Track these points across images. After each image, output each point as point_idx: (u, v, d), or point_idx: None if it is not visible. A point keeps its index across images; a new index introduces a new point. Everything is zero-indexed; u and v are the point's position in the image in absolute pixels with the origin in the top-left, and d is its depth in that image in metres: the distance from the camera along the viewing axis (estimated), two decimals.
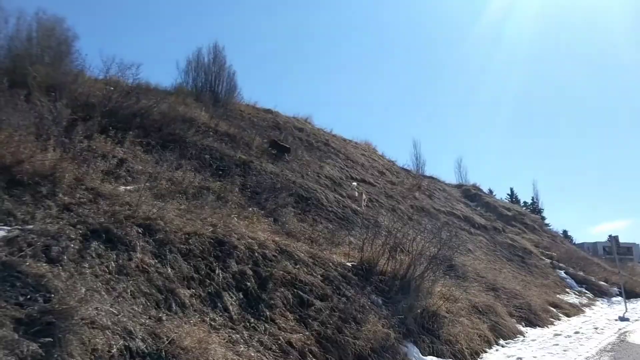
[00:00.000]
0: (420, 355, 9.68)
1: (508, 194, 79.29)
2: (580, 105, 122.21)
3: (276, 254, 9.77)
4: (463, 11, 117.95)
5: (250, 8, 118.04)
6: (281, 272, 9.14)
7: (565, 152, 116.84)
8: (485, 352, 11.37)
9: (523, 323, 15.19)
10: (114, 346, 5.79)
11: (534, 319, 15.75)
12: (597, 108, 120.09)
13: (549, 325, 15.73)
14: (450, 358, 10.22)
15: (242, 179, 16.19)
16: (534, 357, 10.48)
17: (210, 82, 24.44)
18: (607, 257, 61.94)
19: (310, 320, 8.41)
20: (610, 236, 22.56)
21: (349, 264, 10.86)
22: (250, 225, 11.25)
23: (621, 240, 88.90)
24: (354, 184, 24.39)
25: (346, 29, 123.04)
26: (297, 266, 9.72)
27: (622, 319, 17.18)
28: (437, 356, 9.99)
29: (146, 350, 6.09)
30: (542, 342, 12.46)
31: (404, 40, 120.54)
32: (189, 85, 24.11)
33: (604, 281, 28.96)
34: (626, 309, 20.30)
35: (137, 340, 6.11)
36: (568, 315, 18.56)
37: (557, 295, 22.40)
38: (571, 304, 21.29)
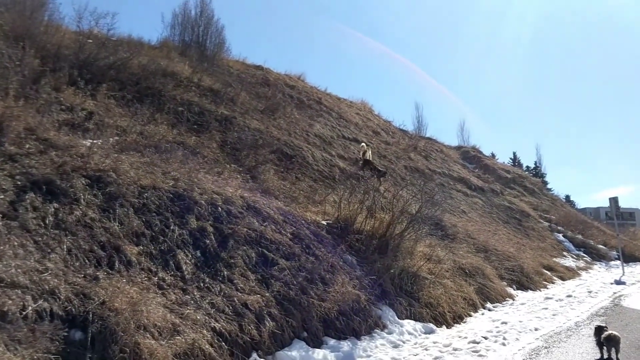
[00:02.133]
0: (397, 318, 9.03)
1: (511, 158, 78.36)
2: (587, 71, 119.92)
3: (243, 211, 9.05)
4: None
5: None
6: (245, 230, 8.44)
7: (571, 119, 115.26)
8: (470, 315, 10.73)
9: (514, 286, 14.56)
10: (28, 307, 5.12)
11: (526, 282, 15.11)
12: (605, 75, 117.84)
13: (541, 289, 15.10)
14: (430, 322, 9.57)
15: (222, 134, 15.38)
16: (520, 321, 9.82)
17: (197, 37, 23.35)
18: (608, 222, 61.47)
19: (273, 281, 7.73)
20: (610, 198, 21.72)
21: (324, 223, 10.15)
22: (220, 181, 10.52)
23: (624, 205, 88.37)
24: (362, 144, 23.83)
25: None
26: (265, 224, 9.01)
27: (618, 282, 16.54)
28: (416, 319, 9.35)
29: (72, 312, 5.43)
30: (532, 305, 11.82)
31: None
32: (176, 40, 23.05)
33: (602, 245, 28.31)
34: (623, 272, 19.66)
35: (60, 301, 5.44)
36: (563, 279, 17.94)
37: (554, 259, 21.76)
38: (567, 267, 20.67)
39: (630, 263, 26.65)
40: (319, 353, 7.10)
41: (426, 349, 7.74)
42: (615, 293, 13.97)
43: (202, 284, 7.11)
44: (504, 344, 8.00)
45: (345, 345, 7.56)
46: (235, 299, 6.96)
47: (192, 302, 6.65)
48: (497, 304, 12.09)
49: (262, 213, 9.27)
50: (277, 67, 26.73)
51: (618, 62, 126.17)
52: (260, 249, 8.29)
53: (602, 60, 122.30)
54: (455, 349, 7.62)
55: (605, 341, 7.00)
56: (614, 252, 26.63)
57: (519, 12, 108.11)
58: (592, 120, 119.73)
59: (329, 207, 11.33)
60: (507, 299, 12.75)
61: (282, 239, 8.75)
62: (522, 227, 25.81)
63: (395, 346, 8.07)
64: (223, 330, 6.45)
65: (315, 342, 7.42)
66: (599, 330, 7.17)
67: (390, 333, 8.53)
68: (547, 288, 15.50)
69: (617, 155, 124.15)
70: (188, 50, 22.16)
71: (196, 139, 13.89)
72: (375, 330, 8.42)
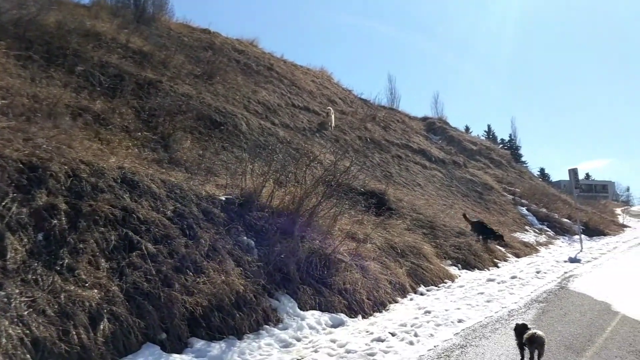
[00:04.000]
0: (298, 310, 7.69)
1: (485, 131, 78.00)
2: (564, 42, 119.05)
3: (114, 184, 7.55)
4: None
5: None
6: (108, 207, 6.95)
7: (547, 92, 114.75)
8: (395, 302, 9.45)
9: (459, 265, 13.34)
10: None
11: (474, 261, 13.91)
12: (582, 46, 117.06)
13: (489, 268, 13.92)
14: (343, 312, 8.26)
15: (141, 100, 13.80)
16: (446, 310, 8.56)
17: None
18: (581, 195, 61.25)
19: (129, 270, 6.28)
20: (569, 170, 20.63)
21: (223, 198, 8.69)
22: (104, 150, 9.02)
23: (599, 178, 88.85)
24: (329, 108, 22.79)
25: None
26: (140, 199, 7.54)
27: (573, 260, 15.43)
28: (324, 310, 8.02)
29: None
30: (469, 289, 10.58)
31: None
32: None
33: (567, 218, 27.37)
34: (581, 248, 18.64)
35: None
36: (518, 256, 16.82)
37: (513, 234, 20.68)
38: (525, 243, 19.59)
39: (594, 237, 25.82)
40: None
41: (316, 351, 6.40)
42: (565, 273, 12.81)
43: (29, 276, 5.65)
44: (411, 343, 6.69)
45: (217, 347, 6.19)
46: (63, 295, 5.51)
47: (3, 301, 5.20)
48: (433, 287, 10.84)
49: (140, 187, 7.78)
50: (233, 34, 25.01)
51: (601, 36, 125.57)
52: (125, 230, 6.82)
53: (587, 34, 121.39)
54: (348, 351, 6.30)
55: (527, 342, 5.70)
56: (581, 226, 25.70)
57: None
58: (573, 95, 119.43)
59: (237, 181, 9.85)
60: (446, 280, 11.51)
61: (157, 218, 7.29)
62: (483, 200, 24.72)
63: (285, 345, 6.73)
64: (38, 337, 5.04)
65: (177, 346, 6.05)
66: (519, 329, 5.86)
67: (284, 329, 7.19)
68: (497, 267, 14.34)
69: (595, 129, 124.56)
70: (122, 10, 20.37)
71: (105, 104, 12.36)
72: (266, 326, 7.07)
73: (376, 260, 10.15)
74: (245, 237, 8.13)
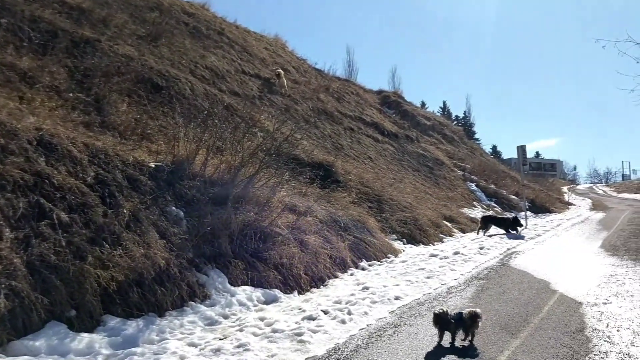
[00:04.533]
0: (228, 285, 7.27)
1: (440, 107, 78.62)
2: (520, 23, 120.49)
3: (28, 147, 6.88)
4: None
5: None
6: (18, 171, 6.31)
7: (503, 72, 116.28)
8: (335, 277, 9.15)
9: (404, 240, 13.17)
10: None
11: (419, 236, 13.77)
12: (534, 28, 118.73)
13: (434, 243, 13.82)
14: (278, 288, 7.89)
15: (76, 59, 12.89)
16: (385, 286, 8.31)
17: None
18: (530, 172, 62.59)
19: (37, 241, 5.70)
20: (518, 146, 20.73)
21: (152, 165, 8.11)
22: (25, 109, 8.29)
23: (549, 157, 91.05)
24: (278, 68, 22.42)
25: None
26: (58, 164, 6.90)
27: (517, 236, 15.52)
28: (256, 285, 7.63)
29: None
30: (411, 264, 10.38)
31: None
32: None
33: (515, 195, 27.73)
34: (526, 225, 18.81)
35: None
36: (464, 231, 16.83)
37: (460, 209, 20.75)
38: (472, 219, 19.64)
39: (540, 214, 26.28)
40: (82, 339, 5.24)
41: (241, 329, 6.01)
42: (508, 250, 12.79)
43: None
44: (343, 322, 6.37)
45: (133, 325, 5.73)
46: None
47: None
48: (375, 262, 10.60)
49: (59, 150, 7.13)
50: None
51: (556, 19, 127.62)
52: (36, 197, 6.20)
53: (541, 17, 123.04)
54: (275, 331, 5.93)
55: (469, 320, 5.43)
56: (526, 203, 26.03)
57: None
58: (527, 76, 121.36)
59: (171, 148, 9.25)
60: (390, 255, 11.29)
61: (74, 185, 6.68)
62: (433, 175, 24.70)
63: (211, 323, 6.33)
64: None
65: (88, 324, 5.55)
66: (437, 318, 5.51)
67: (212, 305, 6.78)
68: (442, 242, 14.26)
69: (546, 109, 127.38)
70: None
71: (34, 62, 11.47)
72: (192, 302, 6.63)
73: (317, 234, 9.80)
74: (174, 208, 7.61)
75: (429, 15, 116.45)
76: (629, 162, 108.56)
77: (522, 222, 17.44)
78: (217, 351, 5.30)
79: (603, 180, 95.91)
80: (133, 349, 5.26)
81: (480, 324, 5.51)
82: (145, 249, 6.41)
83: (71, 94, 11.24)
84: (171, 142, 8.79)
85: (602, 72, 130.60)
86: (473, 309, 5.52)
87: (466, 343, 5.47)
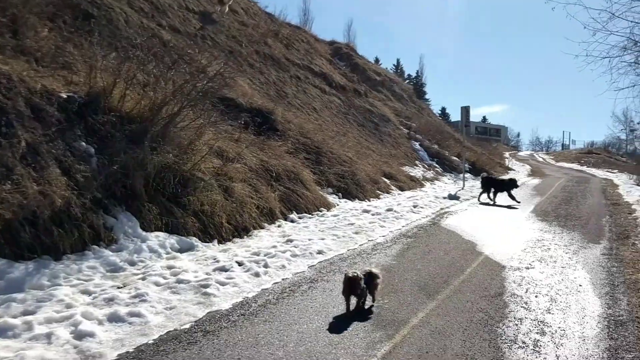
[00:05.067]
0: (140, 230, 6.76)
1: (394, 65, 78.31)
2: None
3: None
4: None
5: None
6: None
7: (458, 37, 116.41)
8: (261, 228, 8.76)
9: (340, 194, 12.89)
10: None
11: (355, 191, 13.51)
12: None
13: (371, 199, 13.61)
14: (196, 236, 7.45)
15: None
16: (310, 239, 7.99)
17: None
18: (475, 136, 63.51)
19: None
20: (462, 107, 20.64)
21: (64, 95, 7.37)
22: None
23: (496, 122, 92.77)
24: None
25: None
26: None
27: (452, 197, 15.51)
28: (171, 232, 7.16)
29: None
30: (342, 219, 10.11)
31: None
32: None
33: (457, 157, 27.91)
34: (463, 186, 18.92)
35: None
36: (402, 189, 16.72)
37: (401, 168, 20.64)
38: (412, 177, 19.61)
39: (478, 177, 26.58)
40: None
41: (144, 278, 5.57)
42: (442, 210, 12.72)
43: None
44: (257, 275, 6.01)
45: (22, 268, 5.18)
46: None
47: None
48: (306, 215, 10.27)
49: None
50: None
51: None
52: None
53: None
54: (180, 281, 5.51)
55: (368, 279, 5.06)
56: (467, 164, 26.21)
57: None
58: (480, 40, 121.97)
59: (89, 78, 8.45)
60: (322, 209, 10.98)
61: None
62: (379, 132, 24.45)
63: (114, 270, 5.84)
64: None
65: None
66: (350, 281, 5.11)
67: (118, 251, 6.28)
68: (379, 198, 14.07)
69: (497, 76, 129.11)
70: None
71: None
72: (95, 246, 6.10)
73: (246, 182, 9.34)
74: (83, 143, 6.94)
75: None
76: (569, 133, 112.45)
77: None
78: (110, 301, 4.85)
79: (544, 149, 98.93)
80: (14, 295, 4.74)
81: (379, 285, 5.18)
82: (41, 185, 5.79)
83: None
84: (90, 71, 8.00)
85: (551, 37, 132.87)
86: (371, 269, 5.17)
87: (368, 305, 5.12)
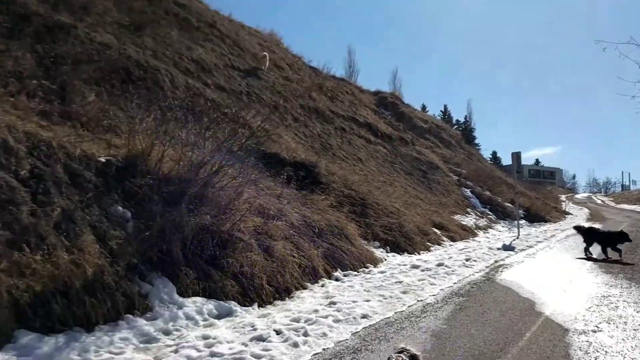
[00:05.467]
0: (176, 296, 6.53)
1: (441, 111, 77.95)
2: (521, 31, 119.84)
3: None
4: None
5: None
6: None
7: (505, 80, 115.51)
8: (303, 288, 8.41)
9: (387, 248, 12.44)
10: None
11: (403, 244, 13.02)
12: (537, 39, 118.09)
13: (420, 252, 13.08)
14: (235, 299, 7.16)
15: (47, 45, 12.23)
16: (354, 301, 7.57)
17: None
18: (529, 180, 61.80)
19: None
20: (512, 153, 19.96)
21: (103, 159, 7.37)
22: None
23: (549, 164, 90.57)
24: (265, 53, 22.62)
25: None
26: None
27: (507, 247, 14.74)
28: (209, 297, 6.89)
29: None
30: (389, 276, 9.63)
31: None
32: None
33: (510, 202, 26.96)
34: (518, 235, 18.07)
35: None
36: (453, 240, 16.10)
37: (452, 216, 20.00)
38: (464, 226, 18.93)
39: (535, 223, 25.57)
40: None
41: (176, 351, 5.26)
42: (496, 262, 12.04)
43: None
44: (296, 345, 5.61)
45: (51, 342, 4.99)
46: None
47: None
48: (351, 272, 9.86)
49: None
50: None
51: (560, 24, 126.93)
52: None
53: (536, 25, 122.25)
54: (213, 355, 5.18)
55: None
56: (521, 211, 25.24)
57: None
58: (530, 82, 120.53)
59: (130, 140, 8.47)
60: (368, 265, 10.56)
61: (3, 180, 5.94)
62: (427, 180, 23.95)
63: (148, 341, 5.58)
64: None
65: None
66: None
67: (153, 319, 6.04)
68: (429, 251, 13.52)
69: (548, 117, 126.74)
70: None
71: None
72: (129, 315, 5.88)
73: (287, 239, 9.06)
74: (120, 207, 6.85)
75: (433, 18, 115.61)
76: (629, 173, 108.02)
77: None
78: None
79: (602, 190, 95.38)
80: None
81: None
82: (74, 254, 5.66)
83: (35, 81, 10.58)
84: (129, 134, 8.03)
85: (603, 77, 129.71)
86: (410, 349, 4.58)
87: None
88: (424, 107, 60.82)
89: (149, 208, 7.07)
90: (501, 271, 10.85)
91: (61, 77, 11.24)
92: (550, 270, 11.13)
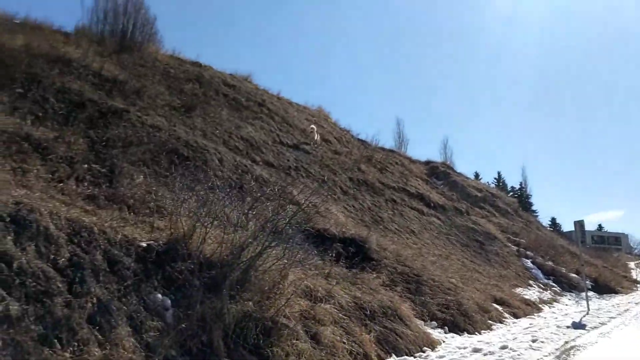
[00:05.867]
0: None
1: (495, 178, 76.35)
2: (576, 92, 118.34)
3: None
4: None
5: None
6: None
7: (560, 141, 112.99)
8: None
9: (446, 328, 11.65)
10: None
11: (463, 323, 12.18)
12: (593, 97, 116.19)
13: (481, 331, 12.19)
14: None
15: (99, 130, 12.61)
16: None
17: (120, 25, 20.67)
18: (593, 246, 58.92)
19: None
20: (575, 222, 18.91)
21: (144, 244, 7.18)
22: (12, 181, 7.70)
23: (612, 230, 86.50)
24: (312, 126, 23.31)
25: None
26: (28, 243, 6.04)
27: (577, 325, 13.56)
28: None
29: None
30: None
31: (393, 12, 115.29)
32: (97, 27, 20.33)
33: (575, 273, 25.41)
34: (588, 310, 16.76)
35: None
36: (516, 316, 15.05)
37: (514, 290, 18.89)
38: (527, 301, 17.78)
39: (605, 295, 23.89)
40: None
41: None
42: (566, 343, 10.99)
43: None
44: None
45: None
46: None
47: None
48: (406, 357, 9.15)
49: (33, 227, 6.29)
50: (229, 69, 24.32)
51: (618, 81, 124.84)
52: None
53: (594, 85, 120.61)
54: None
55: None
56: (588, 282, 23.70)
57: (524, 31, 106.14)
58: (588, 145, 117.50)
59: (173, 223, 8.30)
60: (425, 349, 9.81)
61: (40, 269, 5.76)
62: (484, 251, 22.96)
63: None
64: None
65: None
66: None
67: None
68: (490, 330, 12.60)
69: (607, 179, 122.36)
70: (108, 39, 19.54)
71: (51, 132, 11.23)
72: None
73: (336, 324, 8.52)
74: (159, 295, 6.56)
75: (483, 85, 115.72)
76: None
77: None
78: None
79: None
80: None
81: None
82: (107, 349, 5.34)
83: (86, 165, 10.81)
84: (171, 216, 7.88)
85: None
86: None
87: None
88: (477, 175, 59.65)
89: (189, 294, 6.75)
90: (573, 355, 9.84)
91: (110, 160, 11.45)
92: (630, 353, 10.05)
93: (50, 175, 9.00)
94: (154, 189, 11.00)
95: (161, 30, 27.45)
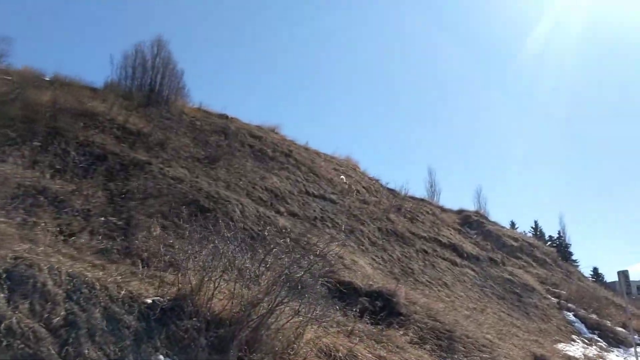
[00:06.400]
0: None
1: (532, 227, 74.18)
2: (613, 135, 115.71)
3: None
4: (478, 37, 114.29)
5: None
6: None
7: (600, 186, 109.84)
8: None
9: None
10: None
11: None
12: (633, 136, 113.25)
13: None
14: None
15: (119, 183, 12.49)
16: None
17: (148, 80, 21.00)
18: (639, 298, 56.13)
19: None
20: (619, 272, 17.83)
21: (149, 300, 6.74)
22: (16, 235, 7.44)
23: None
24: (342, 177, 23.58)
25: (343, 26, 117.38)
26: (22, 301, 5.67)
27: None
28: None
29: None
30: None
31: (420, 54, 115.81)
32: (126, 83, 20.73)
33: (622, 327, 23.86)
34: None
35: None
36: None
37: (555, 345, 17.69)
38: (571, 358, 16.60)
39: None
40: None
41: None
42: None
43: None
44: None
45: None
46: None
47: None
48: None
49: (29, 284, 5.93)
50: (256, 120, 24.48)
51: None
52: None
53: (631, 126, 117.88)
54: None
55: None
56: (637, 336, 22.17)
57: (556, 74, 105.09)
58: (628, 186, 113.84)
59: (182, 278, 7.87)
60: None
61: (30, 329, 5.36)
62: (522, 303, 21.78)
63: None
64: None
65: None
66: None
67: None
68: None
69: None
70: (134, 94, 19.81)
71: (69, 185, 11.11)
72: None
73: None
74: (161, 356, 6.06)
75: (516, 130, 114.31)
76: None
77: None
78: None
79: None
80: None
81: None
82: None
83: (102, 218, 10.58)
84: (179, 271, 7.48)
85: None
86: None
87: None
88: (512, 224, 58.01)
89: (194, 355, 6.24)
90: None
91: (128, 212, 11.22)
92: None
93: (59, 229, 8.71)
94: (171, 241, 10.65)
95: (188, 83, 27.78)
